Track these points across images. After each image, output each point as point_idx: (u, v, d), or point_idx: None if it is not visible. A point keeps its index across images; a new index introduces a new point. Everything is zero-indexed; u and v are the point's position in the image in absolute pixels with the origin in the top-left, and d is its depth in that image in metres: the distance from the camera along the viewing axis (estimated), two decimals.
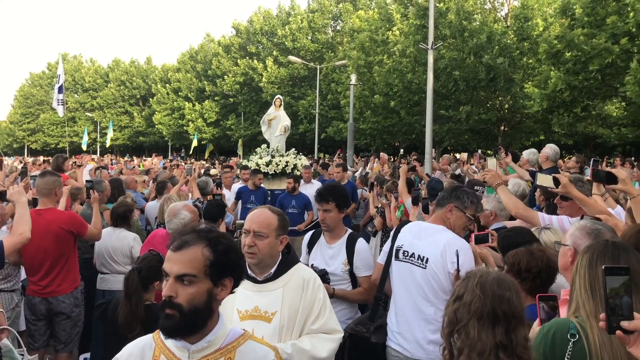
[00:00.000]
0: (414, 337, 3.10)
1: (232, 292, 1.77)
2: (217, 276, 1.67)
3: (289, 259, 2.62)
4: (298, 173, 10.79)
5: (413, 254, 3.17)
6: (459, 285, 1.92)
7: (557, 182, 3.43)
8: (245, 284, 2.29)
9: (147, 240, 4.21)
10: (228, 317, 2.24)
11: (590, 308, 1.84)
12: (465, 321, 1.80)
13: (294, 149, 12.81)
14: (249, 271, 2.51)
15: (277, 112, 12.89)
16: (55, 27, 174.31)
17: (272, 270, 2.53)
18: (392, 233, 3.49)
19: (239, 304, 2.43)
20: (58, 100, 19.06)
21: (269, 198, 9.01)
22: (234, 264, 1.73)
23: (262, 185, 9.01)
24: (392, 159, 25.94)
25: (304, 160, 12.49)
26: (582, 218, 3.05)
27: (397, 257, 3.25)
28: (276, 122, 12.79)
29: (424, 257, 3.11)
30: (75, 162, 8.37)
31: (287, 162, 12.00)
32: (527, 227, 3.54)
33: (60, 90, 19.00)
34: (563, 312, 2.17)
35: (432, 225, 3.28)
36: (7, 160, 26.63)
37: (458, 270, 2.96)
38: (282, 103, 13.42)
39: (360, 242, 3.59)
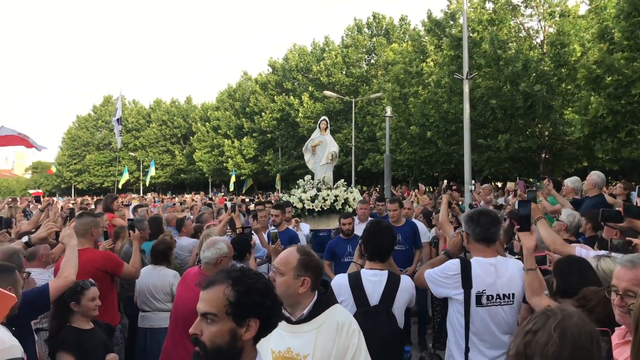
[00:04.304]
0: None
1: (264, 335, 1.74)
2: (239, 316, 1.66)
3: (324, 300, 2.52)
4: (350, 210, 9.29)
5: (498, 294, 3.19)
6: (535, 319, 1.76)
7: (620, 216, 3.34)
8: (281, 324, 2.25)
9: (182, 278, 4.16)
10: (263, 356, 2.23)
11: None
12: None
13: (343, 180, 10.73)
14: (285, 311, 2.44)
15: (322, 137, 10.92)
16: (100, 71, 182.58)
17: (305, 312, 2.44)
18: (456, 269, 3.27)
19: (274, 343, 2.38)
20: (119, 131, 20.60)
21: (301, 241, 7.16)
22: (256, 305, 1.68)
23: (292, 225, 7.62)
24: (432, 190, 25.63)
25: (356, 194, 10.55)
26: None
27: (480, 304, 3.18)
28: (322, 149, 10.82)
29: (509, 294, 3.19)
30: (122, 202, 8.64)
31: (336, 196, 10.02)
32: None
33: (119, 122, 20.61)
34: (619, 354, 2.06)
35: (496, 259, 3.27)
36: (59, 201, 27.73)
37: None
38: (328, 126, 11.18)
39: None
